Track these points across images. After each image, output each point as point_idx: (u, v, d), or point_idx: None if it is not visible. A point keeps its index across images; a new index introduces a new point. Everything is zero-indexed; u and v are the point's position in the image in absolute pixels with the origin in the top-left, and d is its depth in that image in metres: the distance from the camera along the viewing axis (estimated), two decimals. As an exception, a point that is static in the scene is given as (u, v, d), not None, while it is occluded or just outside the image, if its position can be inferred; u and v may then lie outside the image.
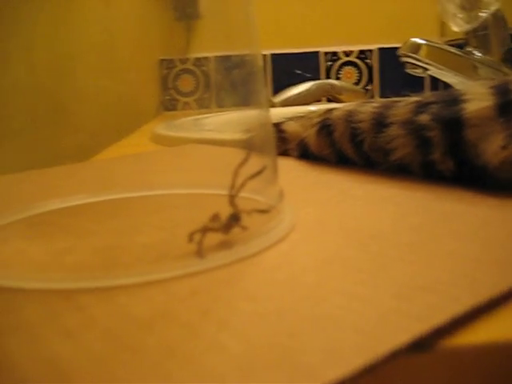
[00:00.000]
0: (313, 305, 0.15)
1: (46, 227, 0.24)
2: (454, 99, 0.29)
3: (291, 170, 0.36)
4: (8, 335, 0.13)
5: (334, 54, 1.28)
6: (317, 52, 1.28)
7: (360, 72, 1.28)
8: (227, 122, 0.72)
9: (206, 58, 1.29)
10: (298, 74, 1.26)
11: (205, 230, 0.19)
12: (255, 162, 0.25)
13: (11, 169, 0.28)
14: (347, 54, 1.28)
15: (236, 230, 0.20)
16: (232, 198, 0.20)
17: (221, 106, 1.27)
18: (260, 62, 0.30)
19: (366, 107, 0.34)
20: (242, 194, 0.22)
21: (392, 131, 0.31)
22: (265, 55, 1.27)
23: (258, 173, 0.20)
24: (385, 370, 0.12)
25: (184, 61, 1.29)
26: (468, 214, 0.23)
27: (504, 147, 0.26)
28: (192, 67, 1.29)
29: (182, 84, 1.29)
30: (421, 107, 0.30)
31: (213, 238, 0.20)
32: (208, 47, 1.26)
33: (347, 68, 1.28)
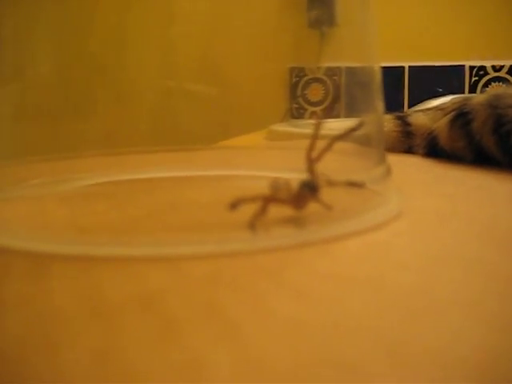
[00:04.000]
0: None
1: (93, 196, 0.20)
2: None
3: (411, 165, 0.30)
4: None
5: (482, 68, 1.16)
6: (462, 66, 1.17)
7: None
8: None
9: (337, 68, 1.24)
10: (439, 90, 1.16)
11: (266, 201, 0.14)
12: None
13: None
14: (496, 68, 1.15)
15: (315, 207, 0.14)
16: (310, 164, 0.14)
17: (348, 116, 1.21)
18: (379, 75, 0.27)
19: (517, 89, 0.27)
20: (334, 172, 0.16)
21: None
22: (403, 67, 1.18)
23: (353, 130, 0.14)
24: None
25: (314, 70, 1.25)
26: None
27: None
28: (322, 76, 1.25)
29: (310, 93, 1.26)
30: None
31: (283, 213, 0.14)
32: (340, 57, 1.22)
33: (495, 84, 1.15)
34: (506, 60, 1.15)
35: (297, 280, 0.11)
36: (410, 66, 1.18)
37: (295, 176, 0.18)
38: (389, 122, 0.37)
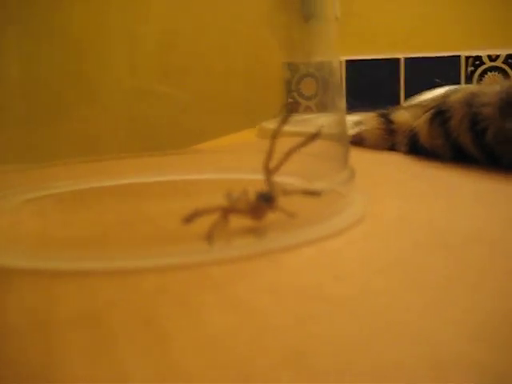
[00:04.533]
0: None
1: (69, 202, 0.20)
2: None
3: (391, 163, 0.30)
4: None
5: (477, 58, 1.16)
6: (458, 56, 1.17)
7: (507, 78, 1.15)
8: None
9: (328, 62, 1.23)
10: (436, 81, 1.16)
11: (225, 212, 0.14)
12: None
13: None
14: (492, 58, 1.15)
15: (275, 216, 0.15)
16: (268, 175, 0.14)
17: (349, 110, 1.21)
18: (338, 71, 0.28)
19: (493, 87, 0.27)
20: (298, 179, 0.16)
21: (525, 115, 0.23)
22: (398, 59, 1.18)
23: (314, 136, 0.15)
24: None
25: (307, 64, 1.25)
26: None
27: None
28: (314, 71, 1.25)
29: (304, 87, 1.26)
30: None
31: (243, 223, 0.15)
32: (334, 51, 1.21)
33: (491, 74, 1.15)
34: (501, 49, 1.14)
35: (238, 293, 0.11)
36: (405, 58, 1.18)
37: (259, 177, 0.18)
38: (372, 119, 0.37)
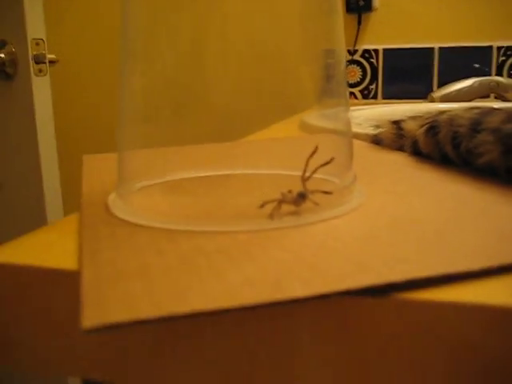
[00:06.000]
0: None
1: (177, 190, 0.32)
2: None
3: (396, 163, 0.41)
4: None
5: (509, 48, 1.22)
6: (490, 46, 1.24)
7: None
8: (372, 117, 0.76)
9: (374, 51, 1.32)
10: (476, 68, 1.23)
11: (280, 202, 0.26)
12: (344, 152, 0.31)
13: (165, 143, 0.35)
14: (524, 49, 1.22)
15: (308, 204, 0.26)
16: (303, 181, 0.26)
17: (386, 97, 1.29)
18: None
19: (467, 113, 0.37)
20: (322, 175, 0.28)
21: (483, 137, 0.34)
22: (432, 48, 1.26)
23: (327, 163, 0.26)
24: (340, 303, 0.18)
25: (352, 52, 1.34)
26: (498, 214, 0.26)
27: None
28: (359, 59, 1.34)
29: (348, 75, 1.35)
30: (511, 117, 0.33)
31: (288, 208, 0.26)
32: (378, 40, 1.29)
33: (522, 64, 1.22)
34: (533, 41, 1.21)
35: (285, 243, 0.22)
36: (439, 48, 1.25)
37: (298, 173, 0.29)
38: (387, 125, 0.48)
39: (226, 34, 0.32)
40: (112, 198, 0.30)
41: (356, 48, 1.34)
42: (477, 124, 0.35)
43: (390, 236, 0.23)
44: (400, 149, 0.46)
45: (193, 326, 0.19)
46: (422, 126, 0.41)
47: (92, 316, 0.16)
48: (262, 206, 0.25)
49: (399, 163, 0.41)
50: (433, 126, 0.40)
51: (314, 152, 0.26)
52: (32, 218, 1.08)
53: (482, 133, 0.34)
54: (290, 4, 0.34)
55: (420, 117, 0.46)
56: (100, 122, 1.57)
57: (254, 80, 0.34)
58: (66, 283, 0.21)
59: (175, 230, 0.25)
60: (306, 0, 0.34)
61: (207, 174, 0.33)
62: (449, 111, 0.41)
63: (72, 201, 1.51)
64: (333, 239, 0.23)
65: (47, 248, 0.24)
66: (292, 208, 0.26)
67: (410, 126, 0.45)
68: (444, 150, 0.39)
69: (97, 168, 0.41)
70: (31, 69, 1.03)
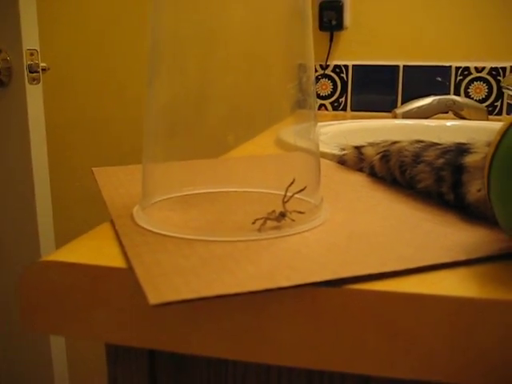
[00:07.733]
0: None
1: (184, 204, 0.41)
2: (464, 150, 0.41)
3: (355, 184, 0.51)
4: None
5: (466, 68, 1.34)
6: (449, 66, 1.36)
7: (490, 89, 1.33)
8: (336, 134, 0.86)
9: (344, 66, 1.42)
10: (438, 82, 1.35)
11: (266, 219, 0.35)
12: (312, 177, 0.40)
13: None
14: (479, 69, 1.34)
15: (287, 221, 0.36)
16: (283, 203, 0.35)
17: (355, 109, 1.40)
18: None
19: (412, 147, 0.47)
20: (299, 196, 0.37)
21: (421, 167, 0.44)
22: (398, 66, 1.37)
23: (301, 190, 0.35)
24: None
25: (324, 67, 1.44)
26: (432, 230, 0.36)
27: (479, 190, 0.38)
28: (331, 73, 1.44)
29: (320, 88, 1.45)
30: (443, 153, 0.43)
31: (272, 224, 0.36)
32: (348, 56, 1.40)
33: (477, 84, 1.34)
34: (487, 62, 1.33)
35: (273, 250, 0.32)
36: (404, 65, 1.37)
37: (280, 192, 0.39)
38: (350, 149, 0.58)
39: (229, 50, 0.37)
40: (136, 210, 0.39)
41: (328, 63, 1.44)
42: (417, 156, 0.45)
43: (346, 245, 0.33)
44: (360, 170, 0.56)
45: (215, 304, 0.28)
46: (378, 153, 0.51)
47: (153, 297, 0.25)
48: (254, 222, 0.35)
49: (358, 184, 0.51)
50: (386, 155, 0.50)
51: (291, 183, 0.35)
52: (22, 220, 1.15)
53: (421, 164, 0.44)
54: (267, 21, 0.36)
55: (377, 144, 0.56)
56: (89, 128, 1.64)
57: (254, 87, 0.39)
58: (118, 277, 0.30)
59: (191, 238, 0.34)
60: (280, 18, 0.36)
61: (208, 190, 0.42)
62: (399, 142, 0.51)
63: (60, 203, 1.58)
64: (305, 247, 0.32)
65: (96, 251, 0.33)
66: (275, 224, 0.36)
67: (368, 152, 0.55)
68: (394, 174, 0.49)
69: (111, 182, 0.50)
70: (25, 77, 1.10)
